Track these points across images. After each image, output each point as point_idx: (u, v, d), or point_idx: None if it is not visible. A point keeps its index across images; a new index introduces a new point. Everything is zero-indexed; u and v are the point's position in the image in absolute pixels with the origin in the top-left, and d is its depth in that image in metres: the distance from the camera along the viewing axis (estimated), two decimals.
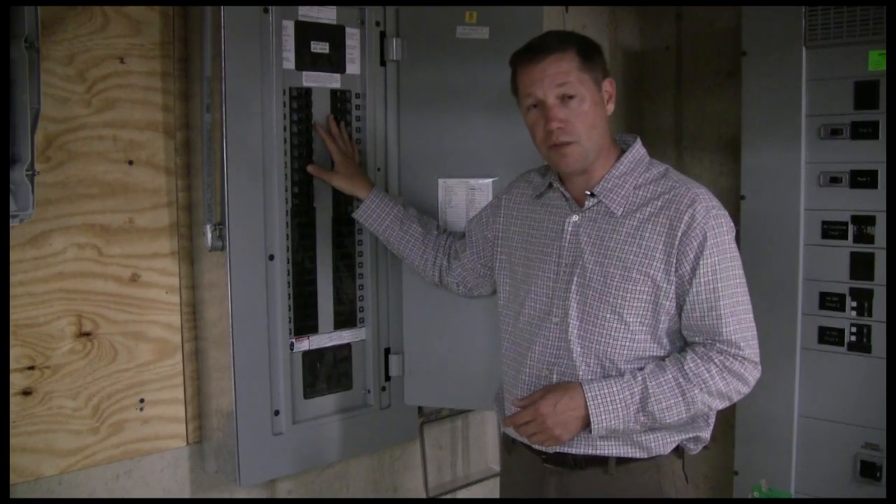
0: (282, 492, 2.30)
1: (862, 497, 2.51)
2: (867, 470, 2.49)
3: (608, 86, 1.79)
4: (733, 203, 2.77)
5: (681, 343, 1.79)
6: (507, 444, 1.96)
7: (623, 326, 1.74)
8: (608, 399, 1.69)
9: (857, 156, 2.49)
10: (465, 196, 2.23)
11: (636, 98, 3.28)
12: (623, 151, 1.82)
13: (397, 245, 2.13)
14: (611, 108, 1.80)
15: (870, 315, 2.49)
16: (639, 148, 1.83)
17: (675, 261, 1.71)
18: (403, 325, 2.29)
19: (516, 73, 1.80)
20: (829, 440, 2.57)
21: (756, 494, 2.72)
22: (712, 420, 1.83)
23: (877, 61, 2.42)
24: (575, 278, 1.78)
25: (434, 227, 2.16)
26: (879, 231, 2.46)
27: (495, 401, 2.01)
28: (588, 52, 1.76)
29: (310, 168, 2.09)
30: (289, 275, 2.08)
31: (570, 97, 1.72)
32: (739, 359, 1.72)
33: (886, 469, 2.41)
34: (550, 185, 1.88)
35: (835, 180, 2.53)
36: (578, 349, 1.76)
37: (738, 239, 1.79)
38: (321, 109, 2.12)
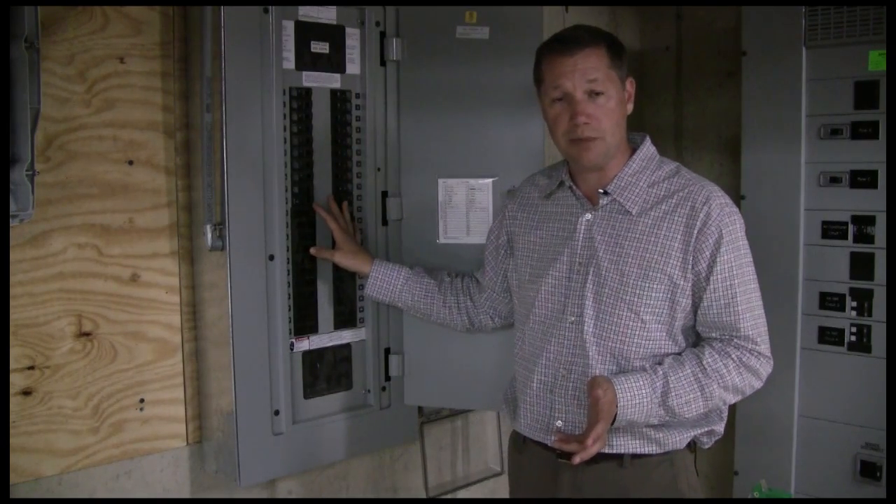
0: (282, 492, 2.30)
1: (862, 497, 2.51)
2: (867, 470, 2.49)
3: (629, 86, 1.82)
4: (733, 203, 2.77)
5: (693, 339, 1.81)
6: (518, 443, 1.95)
7: (640, 324, 1.75)
8: (635, 393, 1.69)
9: (857, 156, 2.48)
10: (465, 196, 2.23)
11: (636, 98, 3.25)
12: (634, 150, 1.83)
13: (416, 305, 2.12)
14: (630, 107, 1.82)
15: (870, 315, 2.49)
16: (649, 146, 1.85)
17: (691, 258, 1.73)
18: (403, 325, 2.28)
19: (542, 63, 1.79)
20: (829, 440, 2.57)
21: (756, 494, 2.72)
22: (725, 414, 1.85)
23: (877, 61, 2.42)
24: (590, 277, 1.78)
25: (445, 275, 2.15)
26: (879, 231, 2.46)
27: (505, 401, 2.01)
28: (616, 50, 1.77)
29: (312, 250, 2.10)
30: (289, 275, 2.08)
31: (599, 94, 1.73)
32: (756, 354, 1.75)
33: (886, 469, 2.41)
34: (561, 184, 1.88)
35: (835, 180, 2.53)
36: (594, 348, 1.77)
37: None
38: (321, 109, 2.12)
